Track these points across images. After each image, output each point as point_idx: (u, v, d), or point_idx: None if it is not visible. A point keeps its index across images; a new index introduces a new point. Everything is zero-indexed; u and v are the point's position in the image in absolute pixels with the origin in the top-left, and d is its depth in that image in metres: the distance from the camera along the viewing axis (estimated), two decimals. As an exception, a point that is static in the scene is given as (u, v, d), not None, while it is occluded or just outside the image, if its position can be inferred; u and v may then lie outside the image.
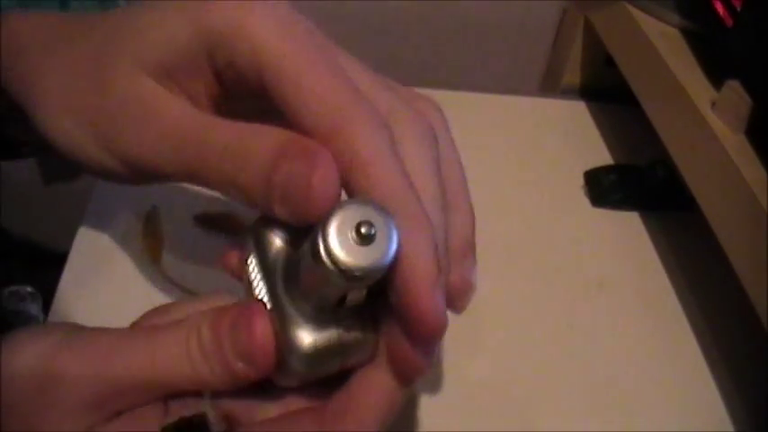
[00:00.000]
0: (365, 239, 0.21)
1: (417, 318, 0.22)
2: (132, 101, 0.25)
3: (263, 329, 0.23)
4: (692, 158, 0.42)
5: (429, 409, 0.36)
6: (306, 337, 0.23)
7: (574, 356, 0.41)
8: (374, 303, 0.24)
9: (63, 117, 0.26)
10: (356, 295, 0.23)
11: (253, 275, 0.25)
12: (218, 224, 0.43)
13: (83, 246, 0.41)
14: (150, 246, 0.42)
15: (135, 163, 0.26)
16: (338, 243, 0.21)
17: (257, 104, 0.25)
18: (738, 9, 0.40)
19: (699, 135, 0.41)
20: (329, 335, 0.24)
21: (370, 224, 0.21)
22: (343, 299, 0.23)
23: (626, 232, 0.49)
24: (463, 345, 0.40)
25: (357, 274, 0.21)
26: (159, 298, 0.39)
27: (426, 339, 0.22)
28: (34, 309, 0.44)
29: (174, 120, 0.25)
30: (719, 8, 0.42)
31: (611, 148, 0.55)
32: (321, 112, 0.23)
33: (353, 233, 0.21)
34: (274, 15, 0.24)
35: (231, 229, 0.43)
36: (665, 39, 0.47)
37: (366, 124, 0.23)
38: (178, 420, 0.23)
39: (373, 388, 0.24)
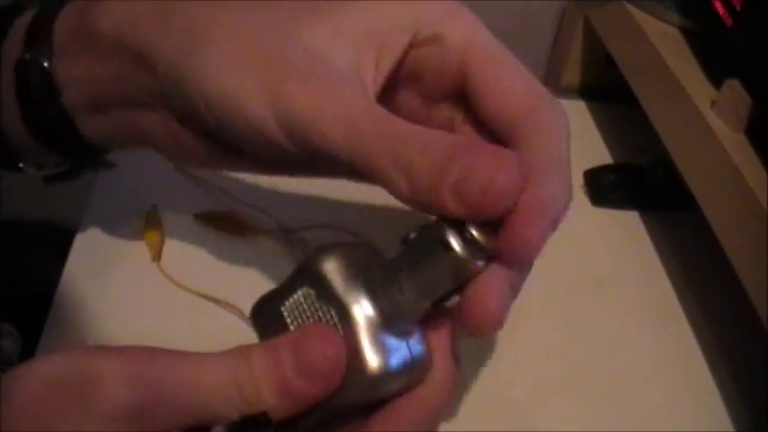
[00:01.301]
0: None
1: (521, 235, 0.23)
2: (322, 64, 0.24)
3: (336, 344, 0.23)
4: (692, 158, 0.42)
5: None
6: (380, 355, 0.24)
7: (573, 356, 0.41)
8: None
9: (233, 63, 0.24)
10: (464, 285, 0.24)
11: (314, 306, 0.25)
12: (218, 223, 0.43)
13: (83, 245, 0.41)
14: (150, 245, 0.42)
15: (299, 128, 0.24)
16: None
17: (402, 100, 0.29)
18: (738, 9, 0.40)
19: (699, 134, 0.40)
20: (402, 354, 0.24)
21: None
22: (446, 296, 0.24)
23: (626, 232, 0.49)
24: (462, 344, 0.40)
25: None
26: (159, 298, 0.39)
27: (517, 258, 0.24)
28: (10, 346, 0.44)
29: (358, 98, 0.24)
30: (719, 8, 0.42)
31: (611, 147, 0.55)
32: (521, 92, 0.27)
33: None
34: (471, 14, 0.28)
35: (231, 228, 0.43)
36: (665, 38, 0.47)
37: (553, 109, 0.27)
38: (243, 418, 0.22)
39: (414, 403, 0.25)
